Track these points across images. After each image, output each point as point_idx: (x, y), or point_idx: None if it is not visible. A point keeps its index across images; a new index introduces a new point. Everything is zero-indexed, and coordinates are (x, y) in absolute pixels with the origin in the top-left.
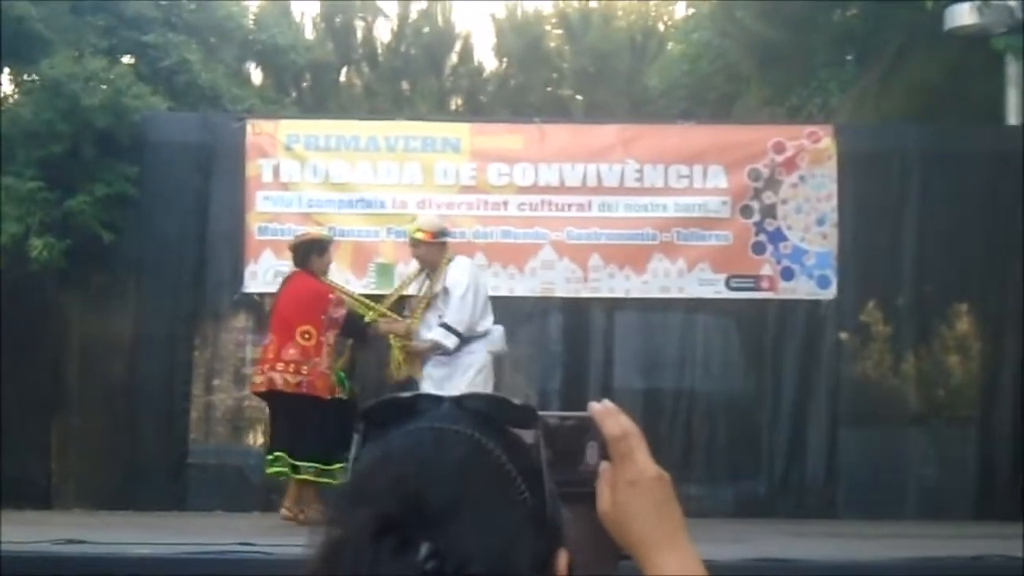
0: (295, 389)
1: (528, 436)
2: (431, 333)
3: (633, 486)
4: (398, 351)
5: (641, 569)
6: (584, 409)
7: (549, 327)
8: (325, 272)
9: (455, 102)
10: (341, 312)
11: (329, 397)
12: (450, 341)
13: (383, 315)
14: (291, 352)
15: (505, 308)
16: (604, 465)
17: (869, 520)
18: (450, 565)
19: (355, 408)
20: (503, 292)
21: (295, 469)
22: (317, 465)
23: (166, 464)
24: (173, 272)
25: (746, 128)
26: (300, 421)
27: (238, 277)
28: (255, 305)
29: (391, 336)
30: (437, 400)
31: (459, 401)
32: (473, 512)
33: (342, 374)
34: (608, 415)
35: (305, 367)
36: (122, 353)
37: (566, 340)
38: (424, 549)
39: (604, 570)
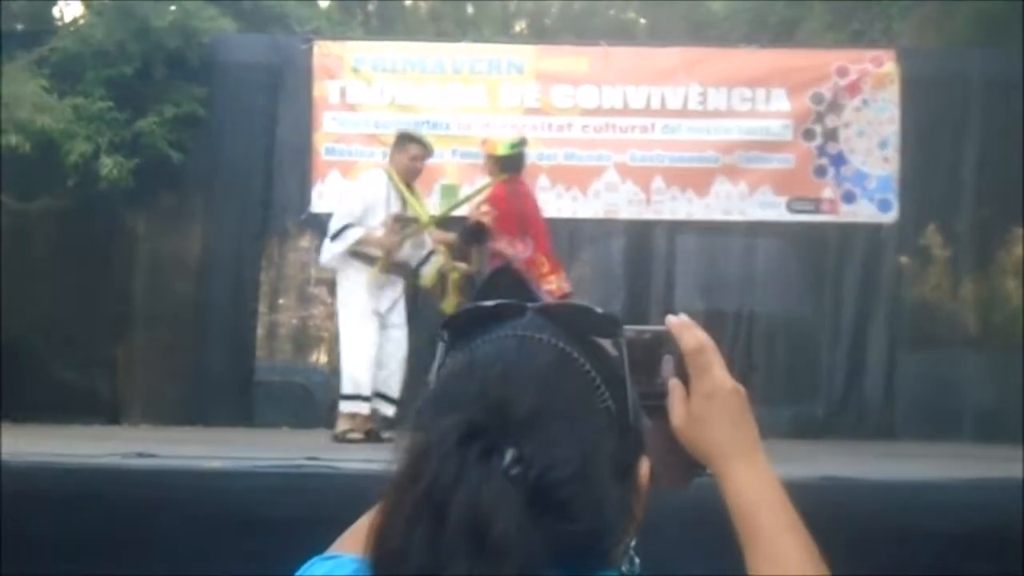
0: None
1: (608, 345)
2: None
3: (709, 399)
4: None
5: (717, 480)
6: None
7: (612, 249)
8: None
9: (519, 25)
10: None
11: None
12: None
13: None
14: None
15: (568, 230)
16: (674, 382)
17: (926, 441)
18: (534, 471)
19: None
20: (566, 214)
21: None
22: None
23: (233, 381)
24: (240, 192)
25: (809, 52)
26: None
27: (305, 197)
28: (322, 225)
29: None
30: (520, 308)
31: (542, 309)
32: (557, 419)
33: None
34: (685, 328)
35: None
36: (190, 272)
37: (628, 262)
38: (509, 455)
39: (678, 482)
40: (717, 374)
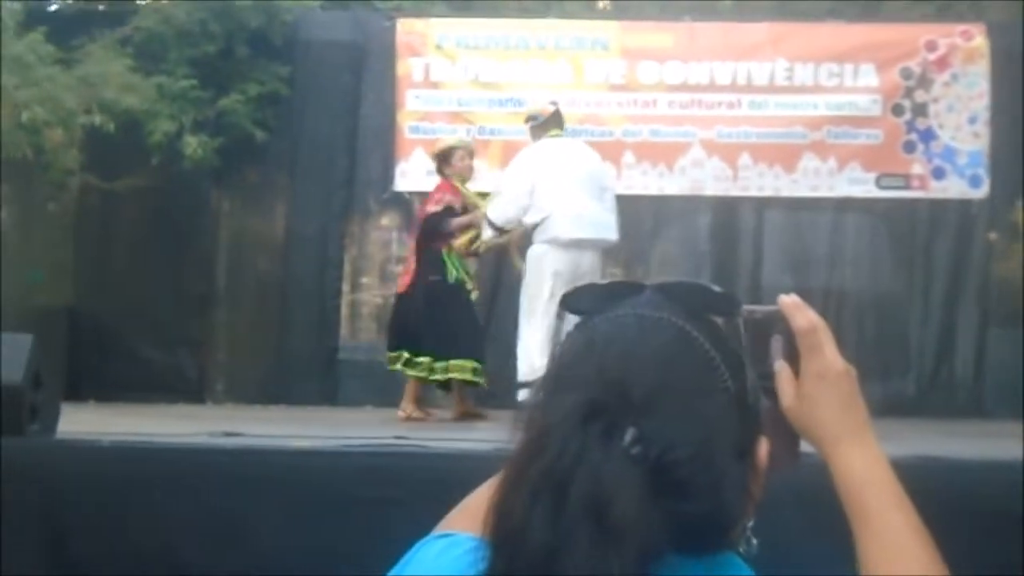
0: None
1: (721, 324)
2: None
3: (820, 379)
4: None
5: (826, 462)
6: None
7: (698, 226)
8: (464, 178)
9: (603, 3)
10: (421, 217)
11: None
12: (485, 226)
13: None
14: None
15: (654, 207)
16: (780, 364)
17: (1017, 420)
18: (655, 451)
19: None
20: (652, 191)
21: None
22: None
23: (316, 360)
24: (324, 170)
25: (897, 27)
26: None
27: (388, 175)
28: (405, 203)
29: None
30: (637, 287)
31: (660, 287)
32: (677, 399)
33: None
34: (797, 308)
35: (402, 266)
36: (273, 250)
37: (715, 239)
38: (629, 435)
39: (787, 462)
40: (828, 355)
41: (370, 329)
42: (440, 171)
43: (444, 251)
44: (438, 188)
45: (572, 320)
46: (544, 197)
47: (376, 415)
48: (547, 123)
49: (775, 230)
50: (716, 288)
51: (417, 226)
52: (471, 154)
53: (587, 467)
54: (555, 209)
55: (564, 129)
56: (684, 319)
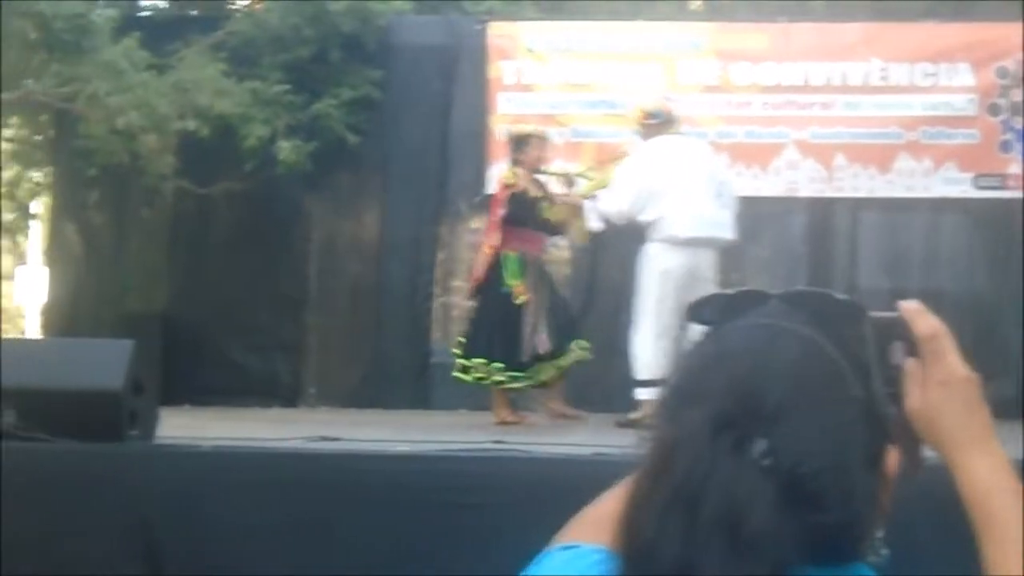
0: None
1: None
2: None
3: (944, 386)
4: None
5: (950, 469)
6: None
7: (793, 227)
8: (534, 169)
9: (695, 4)
10: (499, 212)
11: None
12: (593, 217)
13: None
14: None
15: (749, 208)
16: (911, 363)
17: None
18: (786, 462)
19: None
20: (747, 192)
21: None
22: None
23: (409, 364)
24: (417, 174)
25: (993, 25)
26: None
27: (480, 179)
28: None
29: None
30: (763, 296)
31: (786, 296)
32: (807, 410)
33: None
34: (919, 314)
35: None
36: (367, 254)
37: (810, 240)
38: (761, 446)
39: (911, 470)
40: (951, 361)
41: (461, 333)
42: (513, 155)
43: (503, 255)
44: (500, 189)
45: (696, 330)
46: (661, 195)
47: (470, 419)
48: (666, 121)
49: (870, 231)
50: (841, 296)
51: (493, 225)
52: (544, 147)
53: (719, 480)
54: (671, 208)
55: (678, 127)
56: (812, 328)
